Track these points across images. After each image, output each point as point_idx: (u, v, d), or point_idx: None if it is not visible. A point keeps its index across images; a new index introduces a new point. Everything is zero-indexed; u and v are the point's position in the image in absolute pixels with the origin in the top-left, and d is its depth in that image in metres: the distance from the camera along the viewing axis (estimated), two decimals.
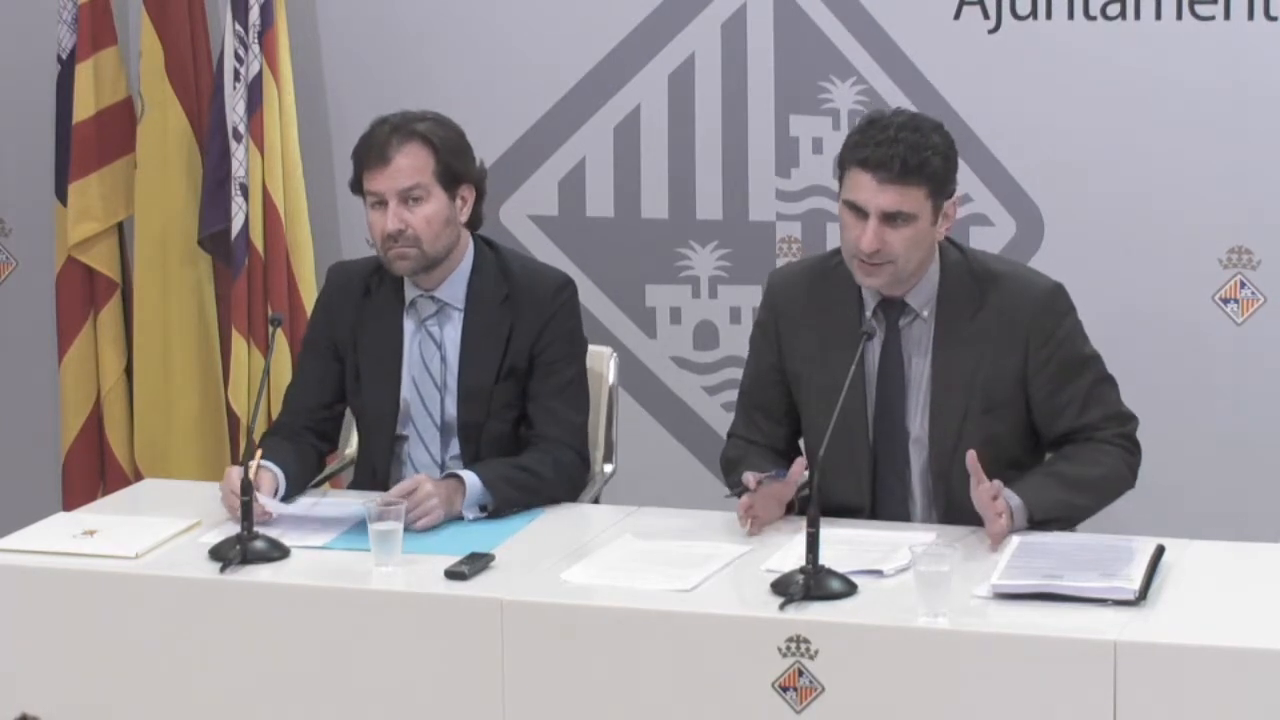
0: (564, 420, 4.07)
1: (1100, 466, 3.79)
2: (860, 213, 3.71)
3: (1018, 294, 3.82)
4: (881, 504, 3.86)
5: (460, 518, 3.85)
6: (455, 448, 4.09)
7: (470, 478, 3.88)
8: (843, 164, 3.76)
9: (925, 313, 3.83)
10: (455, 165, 4.02)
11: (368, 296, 4.14)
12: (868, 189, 3.70)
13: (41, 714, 2.72)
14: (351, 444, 4.37)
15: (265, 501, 3.77)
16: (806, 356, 3.89)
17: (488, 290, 4.10)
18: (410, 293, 4.11)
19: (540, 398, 4.08)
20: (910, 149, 3.69)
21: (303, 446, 4.09)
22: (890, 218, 3.70)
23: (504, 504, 3.90)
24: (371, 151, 4.00)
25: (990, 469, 3.75)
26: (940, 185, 3.74)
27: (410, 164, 3.97)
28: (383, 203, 3.98)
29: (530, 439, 4.07)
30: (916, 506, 3.85)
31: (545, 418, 4.07)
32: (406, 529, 3.62)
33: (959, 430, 3.79)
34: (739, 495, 3.73)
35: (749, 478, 3.66)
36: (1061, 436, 3.83)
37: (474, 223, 4.11)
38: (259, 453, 3.87)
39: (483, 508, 3.88)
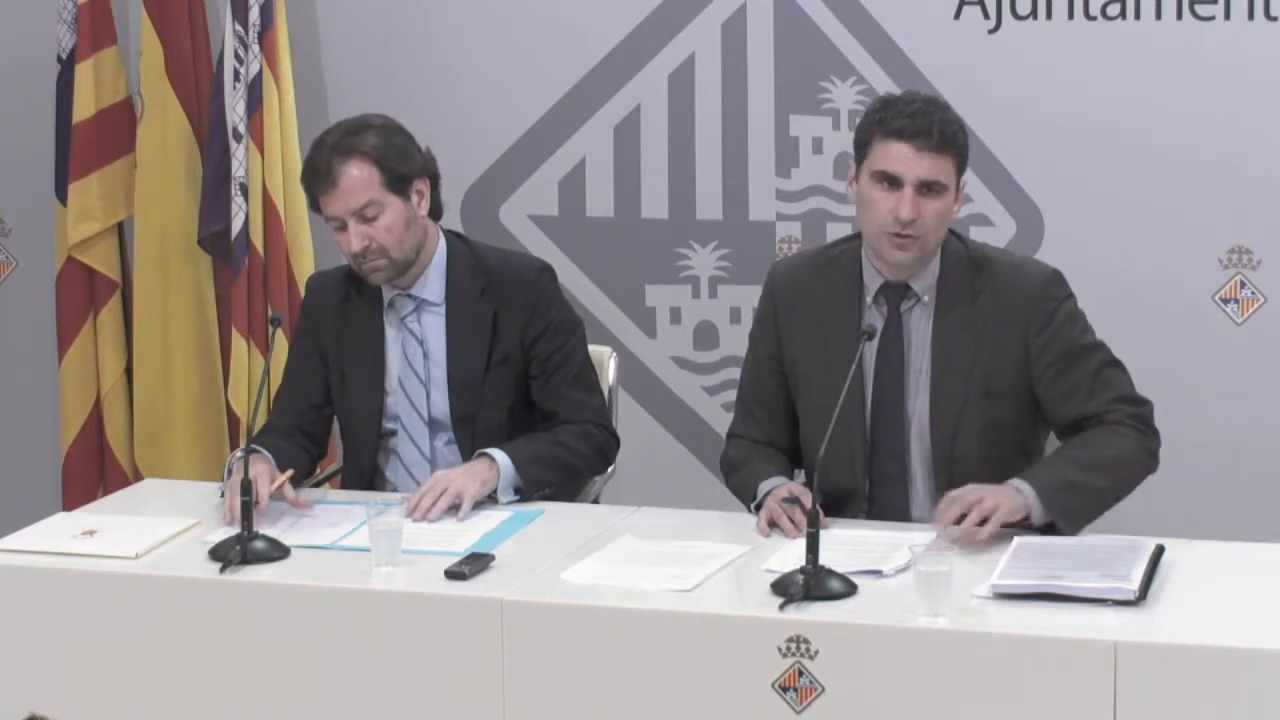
0: (586, 404, 4.14)
1: (1112, 448, 3.74)
2: (894, 183, 3.72)
3: (1016, 280, 3.83)
4: (878, 488, 3.86)
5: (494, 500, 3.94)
6: (444, 441, 4.11)
7: (502, 459, 3.95)
8: (867, 140, 3.77)
9: (926, 298, 3.84)
10: (400, 169, 4.03)
11: (348, 302, 4.18)
12: (905, 158, 3.71)
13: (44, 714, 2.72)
14: None
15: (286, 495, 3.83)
16: (805, 346, 3.90)
17: (466, 283, 4.13)
18: (388, 293, 4.15)
19: (556, 391, 4.12)
20: (943, 120, 3.74)
21: (294, 446, 4.11)
22: (926, 187, 3.72)
23: (534, 485, 3.98)
24: (318, 177, 4.03)
25: (991, 454, 3.76)
26: (964, 159, 3.79)
27: (357, 182, 3.99)
28: (343, 225, 4.01)
29: (565, 422, 4.13)
30: (916, 491, 3.86)
31: (567, 406, 4.12)
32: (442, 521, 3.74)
33: (959, 415, 3.80)
34: (757, 509, 3.78)
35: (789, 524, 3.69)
36: (1072, 423, 3.81)
37: (435, 212, 4.14)
38: (285, 478, 3.88)
39: (517, 490, 3.95)
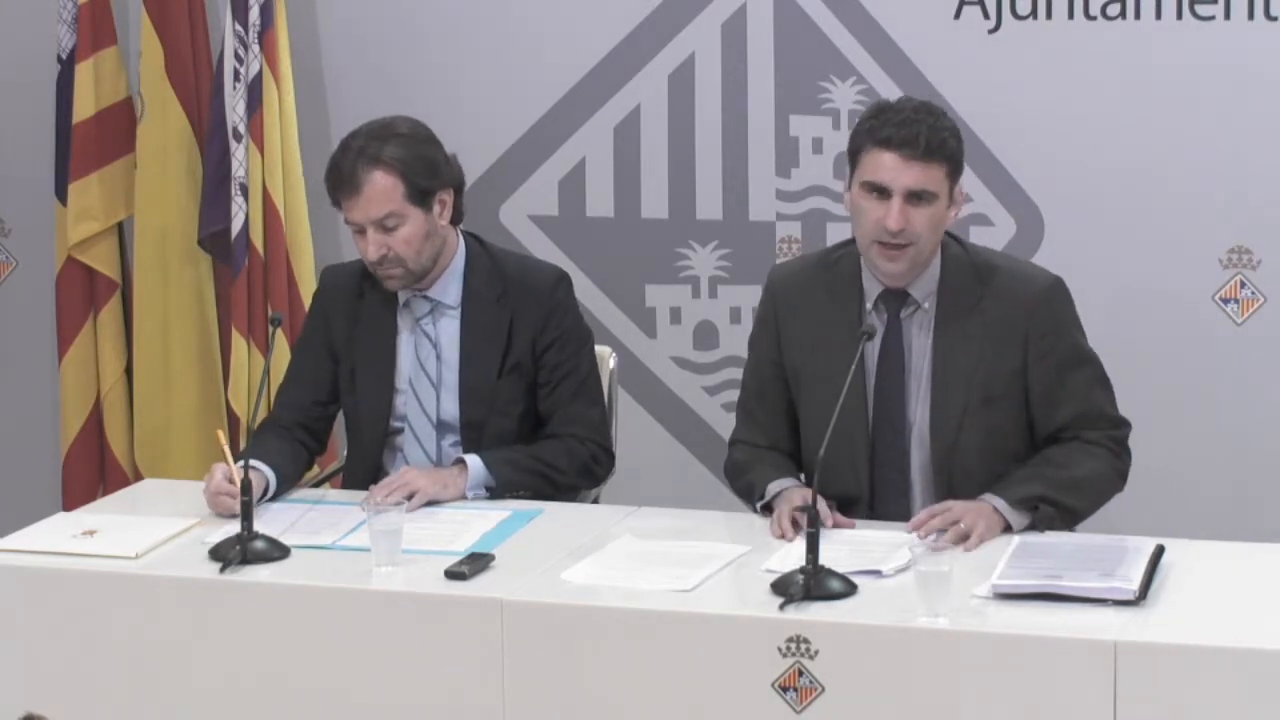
0: (584, 418, 4.13)
1: (1084, 468, 3.78)
2: (882, 193, 3.72)
3: (1018, 287, 3.83)
4: (880, 495, 3.86)
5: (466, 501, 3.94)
6: (450, 443, 4.11)
7: (473, 459, 3.97)
8: (858, 149, 3.77)
9: (926, 304, 3.84)
10: (424, 182, 4.01)
11: (361, 299, 4.17)
12: (892, 168, 3.71)
13: (42, 714, 2.72)
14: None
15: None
16: (806, 351, 3.90)
17: (483, 288, 4.12)
18: (404, 293, 4.13)
19: (557, 401, 4.12)
20: (931, 129, 3.72)
21: (294, 444, 4.11)
22: (915, 196, 3.71)
23: (506, 485, 3.97)
24: (341, 181, 4.01)
25: (991, 462, 3.77)
26: (956, 166, 3.77)
27: (380, 192, 3.97)
28: (362, 230, 4.00)
29: (551, 435, 4.12)
30: (916, 498, 3.85)
31: (565, 419, 4.11)
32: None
33: (959, 423, 3.80)
34: (766, 512, 3.76)
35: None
36: (1055, 431, 3.83)
37: (456, 217, 4.13)
38: (275, 479, 3.91)
39: (488, 488, 3.96)
